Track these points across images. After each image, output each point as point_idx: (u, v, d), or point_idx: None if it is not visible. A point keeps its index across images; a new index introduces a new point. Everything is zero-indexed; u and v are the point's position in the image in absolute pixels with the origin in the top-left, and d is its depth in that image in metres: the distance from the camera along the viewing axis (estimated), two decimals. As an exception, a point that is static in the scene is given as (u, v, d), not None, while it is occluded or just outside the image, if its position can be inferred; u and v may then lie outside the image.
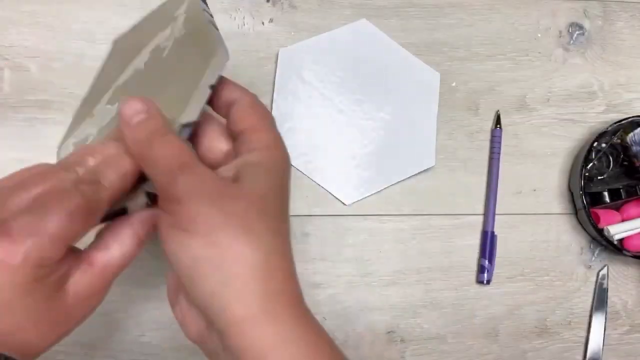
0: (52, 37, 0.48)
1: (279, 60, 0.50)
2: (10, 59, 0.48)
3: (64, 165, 0.28)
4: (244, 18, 0.51)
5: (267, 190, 0.27)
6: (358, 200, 0.50)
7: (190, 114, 0.30)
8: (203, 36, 0.35)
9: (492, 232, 0.51)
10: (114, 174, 0.28)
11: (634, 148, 0.50)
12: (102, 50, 0.48)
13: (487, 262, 0.51)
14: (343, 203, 0.49)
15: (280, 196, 0.28)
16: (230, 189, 0.26)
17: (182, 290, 0.29)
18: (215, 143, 0.30)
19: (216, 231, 0.24)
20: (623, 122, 0.51)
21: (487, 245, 0.51)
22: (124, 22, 0.49)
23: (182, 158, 0.26)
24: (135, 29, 0.38)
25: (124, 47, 0.37)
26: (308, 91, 0.50)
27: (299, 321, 0.25)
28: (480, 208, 0.52)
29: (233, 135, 0.30)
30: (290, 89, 0.50)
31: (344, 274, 0.50)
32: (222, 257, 0.24)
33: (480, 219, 0.52)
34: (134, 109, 0.28)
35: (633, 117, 0.51)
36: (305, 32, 0.51)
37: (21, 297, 0.25)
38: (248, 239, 0.25)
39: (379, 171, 0.50)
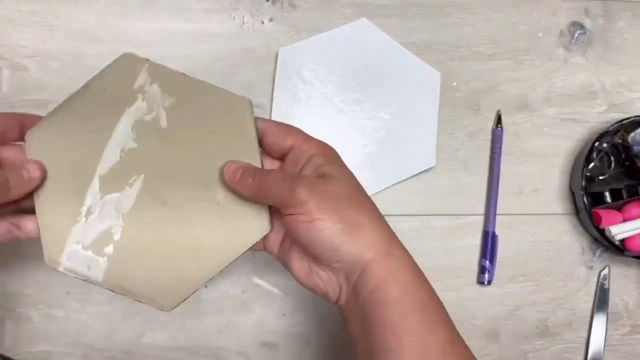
0: (51, 37, 0.48)
1: (278, 60, 0.50)
2: (9, 59, 0.47)
3: None
4: (243, 17, 0.51)
5: (345, 172, 0.36)
6: None
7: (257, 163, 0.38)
8: (208, 97, 0.39)
9: (493, 233, 0.51)
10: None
11: (636, 148, 0.50)
12: (101, 50, 0.48)
13: (488, 262, 0.51)
14: None
15: (350, 172, 0.36)
16: (328, 183, 0.35)
17: (308, 260, 0.37)
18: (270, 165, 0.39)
19: (338, 212, 0.34)
20: (624, 121, 0.51)
21: (488, 245, 0.51)
22: (124, 22, 0.49)
23: (286, 176, 0.35)
24: (67, 116, 0.37)
25: (58, 138, 0.37)
26: (308, 91, 0.50)
27: (408, 255, 0.36)
28: (481, 208, 0.52)
29: (280, 155, 0.38)
30: (290, 88, 0.50)
31: (344, 275, 0.50)
32: (350, 227, 0.34)
33: (481, 219, 0.52)
34: (232, 169, 0.36)
35: (634, 116, 0.51)
36: (305, 32, 0.51)
37: None
38: (360, 210, 0.34)
39: (379, 171, 0.50)
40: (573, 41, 0.54)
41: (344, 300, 0.36)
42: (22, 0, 0.48)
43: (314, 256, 0.35)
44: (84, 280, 0.36)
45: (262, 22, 0.51)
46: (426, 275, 0.51)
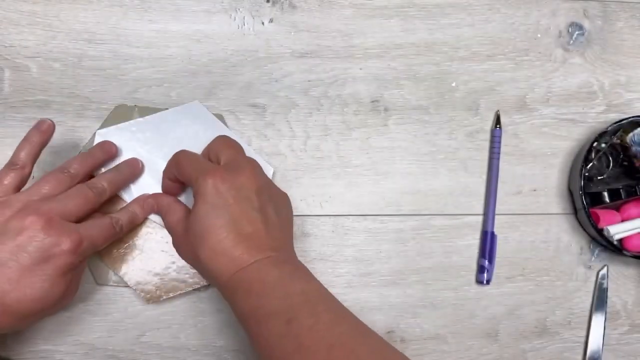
0: (52, 37, 0.48)
1: (94, 143, 0.45)
2: (11, 59, 0.48)
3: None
4: (244, 18, 0.51)
5: (197, 220, 0.38)
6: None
7: None
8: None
9: (492, 232, 0.51)
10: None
11: (634, 148, 0.50)
12: (102, 50, 0.49)
13: (487, 262, 0.51)
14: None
15: (213, 214, 0.38)
16: (186, 234, 0.40)
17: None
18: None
19: (191, 262, 0.42)
20: (623, 122, 0.51)
21: (487, 245, 0.51)
22: (125, 22, 0.49)
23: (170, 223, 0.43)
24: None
25: None
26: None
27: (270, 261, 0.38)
28: (480, 208, 0.52)
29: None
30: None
31: (344, 274, 0.50)
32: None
33: (480, 219, 0.52)
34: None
35: (633, 117, 0.51)
36: (305, 32, 0.51)
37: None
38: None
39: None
40: (572, 42, 0.55)
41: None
42: (23, 1, 0.48)
43: None
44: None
45: (263, 23, 0.51)
46: (426, 275, 0.51)
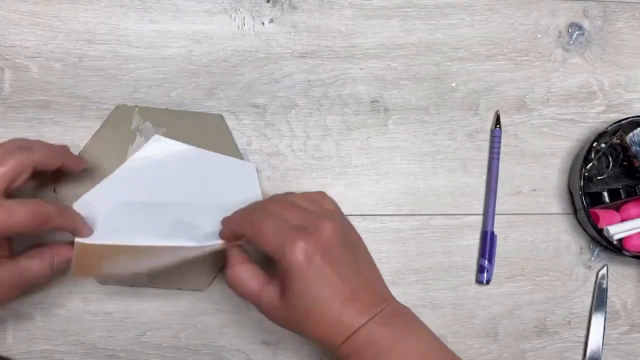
0: (53, 37, 0.48)
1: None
2: (11, 59, 0.48)
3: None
4: (244, 18, 0.51)
5: (297, 302, 0.37)
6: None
7: None
8: (190, 121, 0.49)
9: (492, 232, 0.51)
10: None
11: (634, 148, 0.50)
12: (102, 51, 0.49)
13: (486, 262, 0.51)
14: None
15: (315, 288, 0.36)
16: (285, 313, 0.38)
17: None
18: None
19: (296, 330, 0.39)
20: (623, 122, 0.51)
21: (487, 245, 0.51)
22: (125, 23, 0.49)
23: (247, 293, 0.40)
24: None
25: None
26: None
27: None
28: (480, 208, 0.52)
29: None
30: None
31: (344, 274, 0.50)
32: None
33: (480, 219, 0.52)
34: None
35: (633, 117, 0.51)
36: (305, 32, 0.51)
37: None
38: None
39: None
40: (572, 42, 0.55)
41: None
42: (23, 1, 0.48)
43: None
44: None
45: (263, 24, 0.51)
46: (426, 275, 0.51)
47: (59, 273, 0.42)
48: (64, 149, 0.43)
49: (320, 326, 0.36)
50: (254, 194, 0.47)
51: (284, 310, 0.38)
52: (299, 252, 0.36)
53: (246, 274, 0.40)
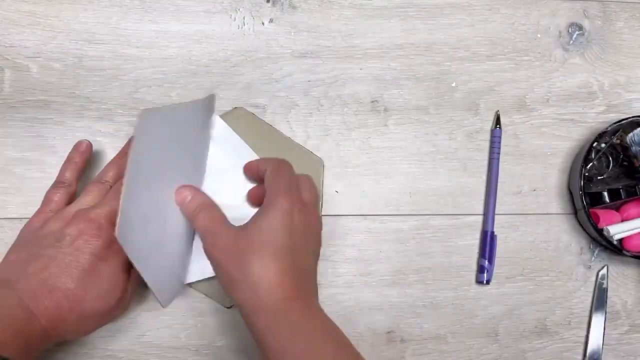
0: (53, 37, 0.48)
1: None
2: (11, 59, 0.48)
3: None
4: (244, 18, 0.51)
5: (263, 230, 0.38)
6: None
7: None
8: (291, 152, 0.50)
9: (492, 232, 0.51)
10: None
11: (634, 148, 0.50)
12: (102, 51, 0.49)
13: (486, 262, 0.51)
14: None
15: (278, 227, 0.38)
16: (238, 237, 0.38)
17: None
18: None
19: (231, 270, 0.38)
20: (623, 122, 0.51)
21: (487, 245, 0.51)
22: (125, 23, 0.49)
23: (212, 224, 0.40)
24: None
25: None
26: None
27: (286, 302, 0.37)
28: (480, 208, 0.52)
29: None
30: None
31: (344, 274, 0.50)
32: (229, 277, 0.38)
33: (480, 219, 0.52)
34: (184, 194, 0.43)
35: (633, 117, 0.51)
36: (305, 32, 0.51)
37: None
38: (245, 263, 0.37)
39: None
40: (571, 42, 0.55)
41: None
42: (23, 1, 0.48)
43: None
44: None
45: (263, 23, 0.51)
46: (426, 275, 0.51)
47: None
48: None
49: (264, 268, 0.37)
50: None
51: (233, 240, 0.38)
52: (289, 203, 0.39)
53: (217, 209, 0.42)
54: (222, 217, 0.41)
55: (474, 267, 0.52)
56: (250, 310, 0.37)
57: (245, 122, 0.49)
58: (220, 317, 0.48)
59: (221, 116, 0.49)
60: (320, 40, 0.52)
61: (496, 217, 0.52)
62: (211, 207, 0.42)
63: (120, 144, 0.48)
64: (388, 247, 0.51)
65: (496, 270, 0.52)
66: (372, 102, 0.52)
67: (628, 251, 0.51)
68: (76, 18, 0.49)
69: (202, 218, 0.41)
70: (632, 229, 0.51)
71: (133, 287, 0.43)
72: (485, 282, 0.51)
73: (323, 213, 0.50)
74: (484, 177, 0.53)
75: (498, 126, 0.53)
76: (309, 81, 0.51)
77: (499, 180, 0.52)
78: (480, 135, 0.53)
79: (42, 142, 0.47)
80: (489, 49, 0.54)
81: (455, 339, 0.51)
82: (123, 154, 0.46)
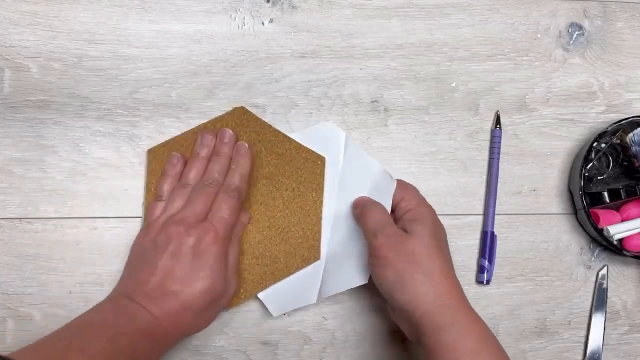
0: (53, 37, 0.48)
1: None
2: (11, 59, 0.48)
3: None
4: (244, 18, 0.51)
5: (426, 232, 0.43)
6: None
7: None
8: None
9: (492, 232, 0.51)
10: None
11: (634, 148, 0.50)
12: (102, 50, 0.49)
13: (486, 262, 0.51)
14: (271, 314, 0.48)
15: (433, 232, 0.43)
16: (405, 239, 0.43)
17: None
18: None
19: (398, 265, 0.42)
20: (623, 122, 0.51)
21: (487, 245, 0.51)
22: (125, 23, 0.49)
23: (379, 218, 0.44)
24: None
25: None
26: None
27: (460, 312, 0.41)
28: (480, 208, 0.52)
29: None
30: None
31: (344, 274, 0.50)
32: (402, 280, 0.41)
33: (480, 219, 0.52)
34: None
35: (633, 117, 0.51)
36: (305, 32, 0.51)
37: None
38: (416, 268, 0.41)
39: (315, 283, 0.48)
40: (572, 42, 0.55)
41: (415, 339, 0.42)
42: (23, 1, 0.48)
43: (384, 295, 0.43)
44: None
45: (263, 24, 0.51)
46: (426, 274, 0.51)
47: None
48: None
49: (425, 276, 0.41)
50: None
51: (395, 249, 0.42)
52: (432, 211, 0.46)
53: (380, 208, 0.46)
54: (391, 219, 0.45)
55: (474, 267, 0.52)
56: (424, 311, 0.40)
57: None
58: (221, 317, 0.48)
59: (221, 116, 0.49)
60: (320, 40, 0.52)
61: (496, 217, 0.52)
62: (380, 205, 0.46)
63: (120, 144, 0.48)
64: (388, 247, 0.51)
65: (496, 270, 0.52)
66: (372, 102, 0.52)
67: (628, 251, 0.51)
68: (76, 18, 0.49)
69: (375, 212, 0.45)
70: (632, 229, 0.51)
71: (235, 268, 0.45)
72: (485, 282, 0.51)
73: (323, 213, 0.50)
74: (484, 177, 0.53)
75: (498, 126, 0.53)
76: (309, 81, 0.51)
77: (499, 180, 0.52)
78: (480, 135, 0.53)
79: (42, 142, 0.47)
80: (489, 49, 0.54)
81: (455, 339, 0.51)
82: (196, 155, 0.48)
